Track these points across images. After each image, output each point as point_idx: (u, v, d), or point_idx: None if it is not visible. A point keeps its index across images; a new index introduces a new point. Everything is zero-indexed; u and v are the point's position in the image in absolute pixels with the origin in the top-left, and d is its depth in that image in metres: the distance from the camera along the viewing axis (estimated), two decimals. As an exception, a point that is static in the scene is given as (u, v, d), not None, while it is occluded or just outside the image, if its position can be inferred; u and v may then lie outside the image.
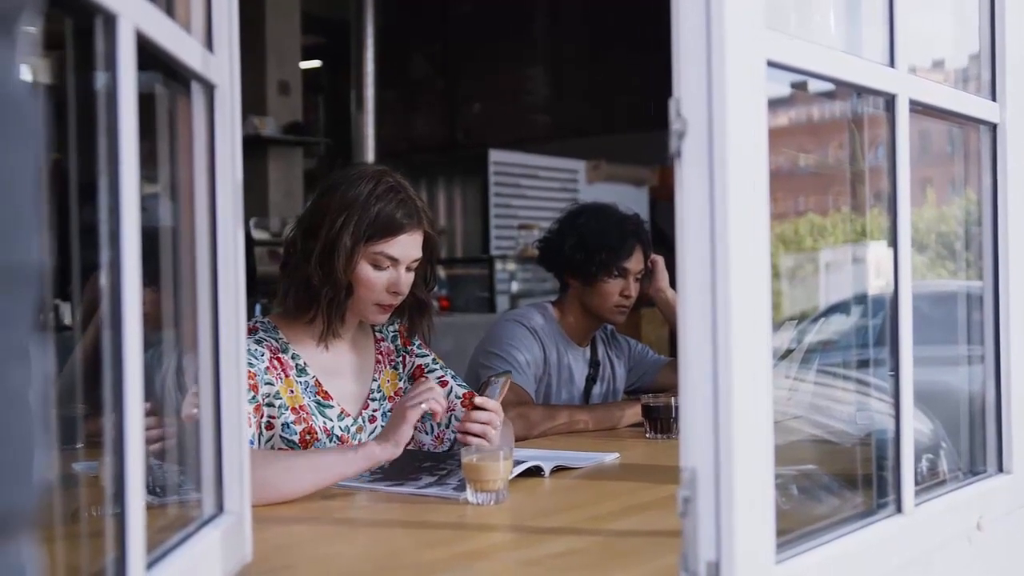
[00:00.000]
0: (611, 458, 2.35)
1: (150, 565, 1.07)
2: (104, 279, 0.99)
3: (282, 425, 2.15)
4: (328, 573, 1.55)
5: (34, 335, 0.56)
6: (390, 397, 2.36)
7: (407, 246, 2.20)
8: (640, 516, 1.84)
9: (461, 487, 1.91)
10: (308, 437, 2.17)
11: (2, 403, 0.52)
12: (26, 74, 0.59)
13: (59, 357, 2.05)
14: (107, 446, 1.00)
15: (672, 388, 2.97)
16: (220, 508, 1.36)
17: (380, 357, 2.38)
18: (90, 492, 1.35)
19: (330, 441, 2.21)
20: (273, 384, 2.15)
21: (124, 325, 0.99)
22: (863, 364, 1.91)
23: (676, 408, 2.65)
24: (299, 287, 2.20)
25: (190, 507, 1.36)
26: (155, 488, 1.33)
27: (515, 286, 7.41)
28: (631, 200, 5.78)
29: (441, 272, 7.63)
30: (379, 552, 1.66)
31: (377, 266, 2.19)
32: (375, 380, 2.35)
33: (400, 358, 2.41)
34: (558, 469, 2.19)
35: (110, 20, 0.98)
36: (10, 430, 0.53)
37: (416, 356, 2.42)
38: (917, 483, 1.53)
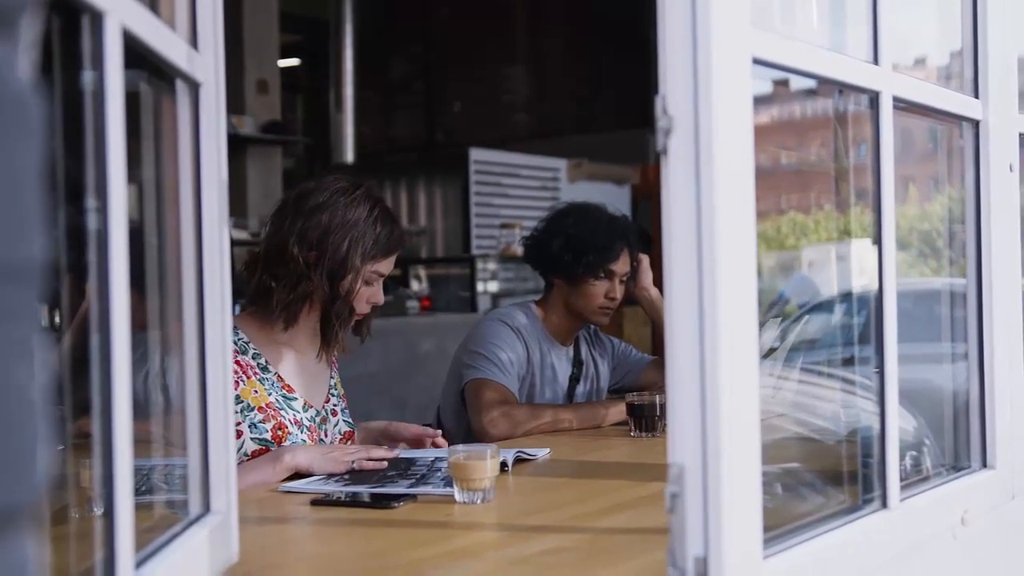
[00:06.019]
0: (543, 453, 2.36)
1: (138, 564, 1.06)
2: (91, 280, 0.98)
3: (250, 426, 2.17)
4: (315, 572, 1.54)
5: (37, 331, 0.56)
6: (342, 396, 2.46)
7: (393, 262, 2.33)
8: (626, 513, 1.85)
9: (449, 483, 1.91)
10: (280, 433, 2.22)
11: (6, 398, 0.52)
12: (28, 72, 0.59)
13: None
14: (95, 447, 1.00)
15: (655, 386, 2.97)
16: (207, 508, 1.35)
17: (333, 358, 2.47)
18: (69, 493, 1.35)
19: (301, 432, 2.26)
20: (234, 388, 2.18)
21: (112, 325, 0.98)
22: (847, 362, 1.92)
23: (661, 406, 2.65)
24: (300, 300, 2.25)
25: (176, 506, 1.35)
26: (139, 488, 1.33)
27: (497, 285, 7.40)
28: (612, 199, 5.78)
29: (422, 272, 7.62)
30: (366, 551, 1.65)
31: (368, 283, 2.28)
32: (332, 378, 2.44)
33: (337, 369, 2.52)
34: (519, 461, 2.24)
35: (97, 17, 0.98)
36: (14, 425, 0.53)
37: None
38: (901, 479, 1.53)
